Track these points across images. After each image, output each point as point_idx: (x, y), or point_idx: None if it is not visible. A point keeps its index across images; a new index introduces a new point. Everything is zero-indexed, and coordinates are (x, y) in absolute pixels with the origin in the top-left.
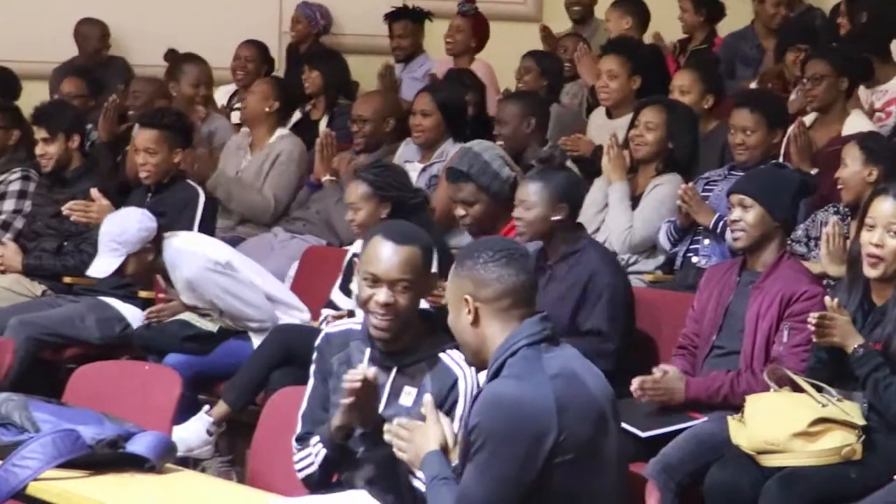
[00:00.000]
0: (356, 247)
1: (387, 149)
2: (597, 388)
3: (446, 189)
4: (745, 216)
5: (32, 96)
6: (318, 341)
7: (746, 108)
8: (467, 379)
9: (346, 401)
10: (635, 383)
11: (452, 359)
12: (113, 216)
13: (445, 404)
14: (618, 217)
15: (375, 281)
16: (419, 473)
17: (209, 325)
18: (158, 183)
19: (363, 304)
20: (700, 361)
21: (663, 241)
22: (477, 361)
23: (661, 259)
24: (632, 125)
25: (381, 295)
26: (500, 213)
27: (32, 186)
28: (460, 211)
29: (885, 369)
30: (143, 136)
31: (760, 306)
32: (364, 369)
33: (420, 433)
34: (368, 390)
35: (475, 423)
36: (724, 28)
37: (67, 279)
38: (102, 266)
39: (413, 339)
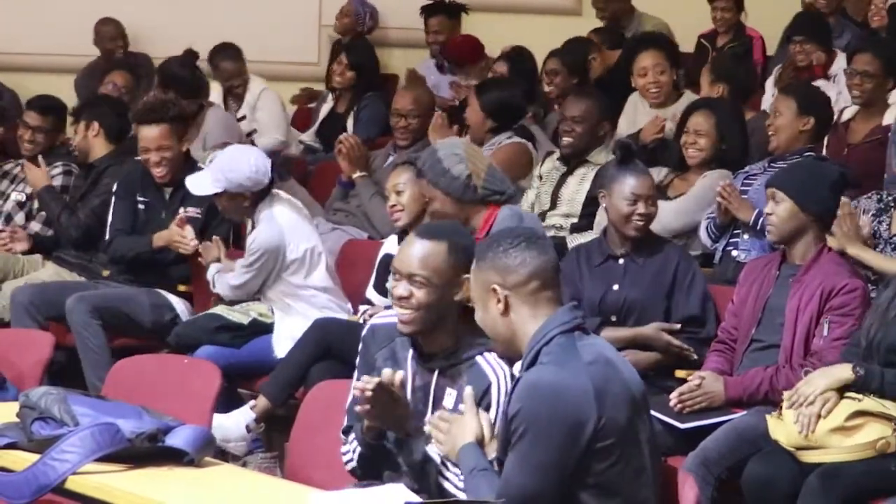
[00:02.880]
0: (389, 245)
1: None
2: (630, 376)
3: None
4: (777, 209)
5: (47, 89)
6: (363, 332)
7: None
8: (500, 385)
9: (360, 408)
10: (674, 397)
11: (488, 362)
12: (236, 149)
13: (479, 407)
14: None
15: (397, 274)
16: (448, 474)
17: (239, 318)
18: (174, 178)
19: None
20: (739, 356)
21: (703, 237)
22: (510, 352)
23: (698, 252)
24: (680, 130)
25: (399, 288)
26: (465, 208)
27: (72, 180)
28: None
29: (890, 371)
30: (151, 134)
31: (800, 300)
32: (387, 375)
33: (458, 426)
34: (386, 397)
35: (515, 411)
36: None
37: (105, 272)
38: (200, 185)
39: (453, 341)
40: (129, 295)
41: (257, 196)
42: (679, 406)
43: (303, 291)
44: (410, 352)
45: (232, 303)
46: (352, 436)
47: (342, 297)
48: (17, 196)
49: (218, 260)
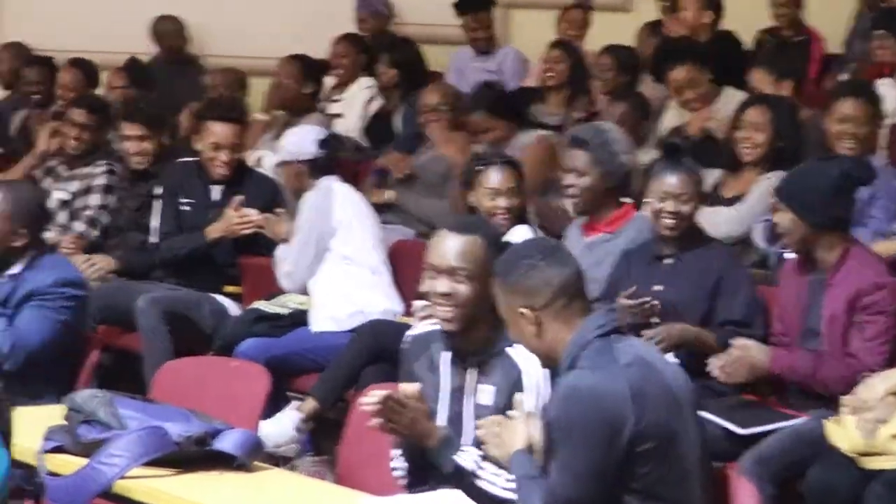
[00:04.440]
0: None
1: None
2: (672, 377)
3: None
4: (781, 219)
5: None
6: (403, 344)
7: (850, 97)
8: (531, 372)
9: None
10: (713, 365)
11: (519, 352)
12: (303, 126)
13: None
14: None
15: (435, 271)
16: (484, 475)
17: (277, 309)
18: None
19: (428, 297)
20: None
21: (759, 239)
22: (550, 363)
23: (753, 256)
24: (734, 126)
25: (440, 285)
26: (608, 197)
27: (117, 180)
28: (567, 181)
29: None
30: (224, 132)
31: (833, 306)
32: (402, 388)
33: (508, 431)
34: (404, 410)
35: (553, 417)
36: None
37: (157, 273)
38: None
39: (484, 335)
40: (193, 300)
41: (312, 168)
42: (720, 374)
43: (350, 266)
44: (445, 354)
45: (269, 298)
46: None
47: (392, 289)
48: (60, 194)
49: (287, 240)
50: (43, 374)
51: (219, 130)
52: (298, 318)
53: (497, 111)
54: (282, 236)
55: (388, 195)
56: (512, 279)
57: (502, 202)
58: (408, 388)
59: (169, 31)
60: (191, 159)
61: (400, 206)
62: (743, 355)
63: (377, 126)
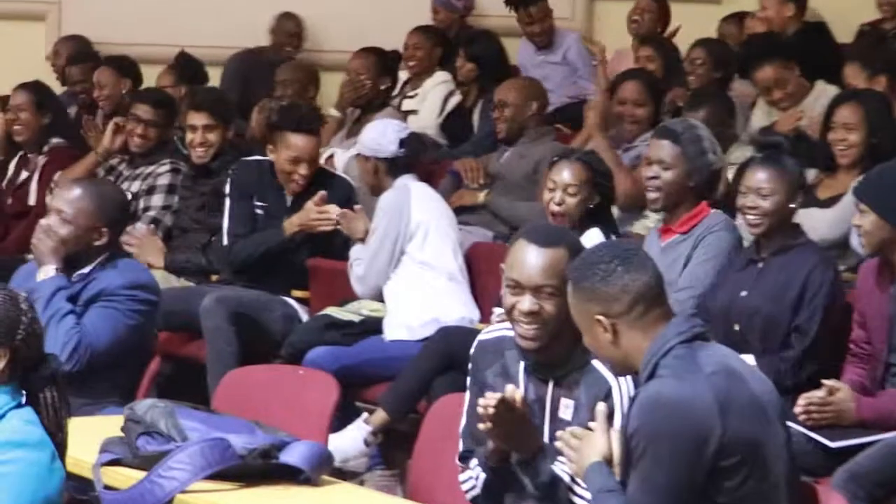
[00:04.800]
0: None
1: (544, 131)
2: (758, 386)
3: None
4: (863, 222)
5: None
6: (472, 349)
7: None
8: (621, 387)
9: (483, 427)
10: (801, 403)
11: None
12: (383, 120)
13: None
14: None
15: (518, 287)
16: (580, 491)
17: (349, 316)
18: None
19: (507, 312)
20: (878, 376)
21: (855, 243)
22: (625, 371)
23: (852, 260)
24: (826, 127)
25: (525, 303)
26: (688, 196)
27: (181, 180)
28: (651, 172)
29: None
30: (304, 145)
31: None
32: (509, 392)
33: (587, 443)
34: (511, 415)
35: (634, 429)
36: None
37: (214, 277)
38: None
39: (566, 348)
40: (264, 302)
41: (390, 167)
42: (805, 417)
43: (426, 271)
44: (522, 364)
45: (342, 304)
46: (473, 461)
47: (468, 296)
48: None
49: (363, 239)
50: (105, 379)
51: (299, 143)
52: (371, 326)
53: (647, 85)
54: (358, 234)
55: (482, 198)
56: (587, 285)
57: (557, 197)
58: (514, 392)
59: (289, 29)
60: (264, 158)
61: (492, 208)
62: (830, 400)
63: (454, 123)
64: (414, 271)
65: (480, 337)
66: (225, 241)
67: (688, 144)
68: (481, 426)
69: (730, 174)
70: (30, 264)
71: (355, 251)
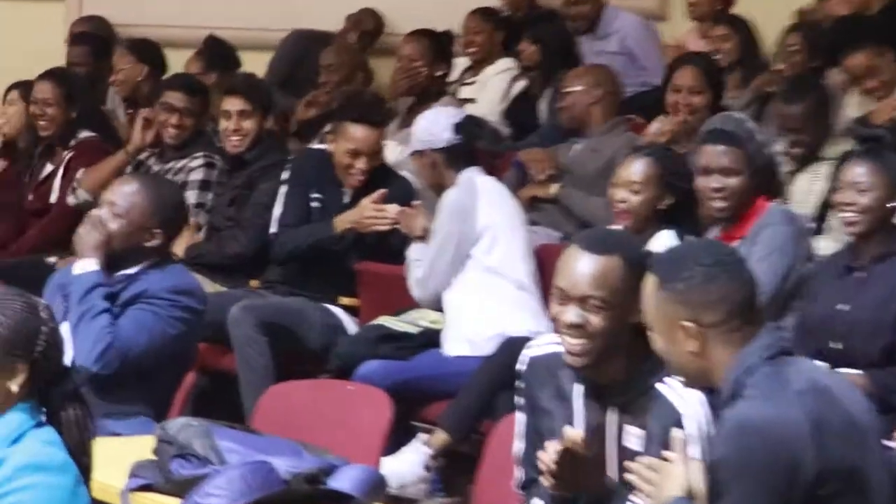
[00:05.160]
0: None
1: (615, 122)
2: (854, 405)
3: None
4: None
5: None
6: (520, 365)
7: None
8: (694, 415)
9: (547, 483)
10: None
11: (673, 390)
12: (434, 109)
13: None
14: None
15: (564, 297)
16: None
17: (406, 327)
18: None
19: (554, 323)
20: None
21: None
22: (699, 384)
23: None
24: None
25: (570, 314)
26: (751, 195)
27: (216, 175)
28: (716, 183)
29: None
30: (370, 138)
31: None
32: (569, 437)
33: (665, 475)
34: (576, 461)
35: (720, 458)
36: None
37: (253, 282)
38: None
39: (627, 368)
40: (299, 309)
41: (448, 158)
42: None
43: (493, 279)
44: (578, 387)
45: (397, 314)
46: (535, 500)
47: (540, 307)
48: None
49: (423, 237)
50: (135, 389)
51: (358, 135)
52: (430, 339)
53: (706, 74)
54: (417, 232)
55: (554, 190)
56: (679, 288)
57: (619, 194)
58: (574, 434)
59: (365, 24)
60: (327, 147)
61: (564, 202)
62: None
63: (519, 111)
64: (479, 278)
65: (530, 353)
66: (273, 230)
67: (747, 144)
68: (544, 482)
69: (826, 169)
70: (62, 273)
71: (414, 251)
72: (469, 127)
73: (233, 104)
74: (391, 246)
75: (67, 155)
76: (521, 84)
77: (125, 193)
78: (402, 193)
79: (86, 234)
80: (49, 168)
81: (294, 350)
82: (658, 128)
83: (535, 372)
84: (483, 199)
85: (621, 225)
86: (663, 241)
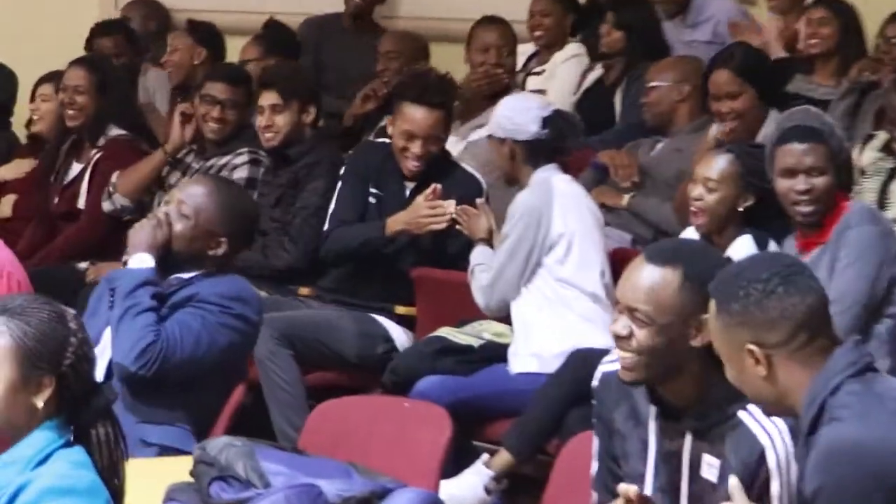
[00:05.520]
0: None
1: (703, 121)
2: None
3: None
4: None
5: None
6: (594, 382)
7: None
8: (777, 448)
9: None
10: None
11: (756, 420)
12: (523, 95)
13: (755, 485)
14: None
15: (618, 305)
16: None
17: (468, 340)
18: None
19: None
20: None
21: None
22: (779, 411)
23: None
24: None
25: (617, 324)
26: (834, 195)
27: (261, 173)
28: (802, 185)
29: None
30: (422, 119)
31: None
32: (623, 492)
33: None
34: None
35: (816, 489)
36: None
37: (303, 290)
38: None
39: (700, 392)
40: (328, 319)
41: (529, 152)
42: None
43: (566, 291)
44: (652, 408)
45: (460, 325)
46: None
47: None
48: None
49: (487, 239)
50: (175, 397)
51: (416, 116)
52: (494, 353)
53: (748, 74)
54: (479, 234)
55: (625, 202)
56: (736, 309)
57: (695, 192)
58: (627, 490)
59: None
60: (389, 141)
61: (635, 210)
62: None
63: (592, 104)
64: (550, 289)
65: (604, 368)
66: (326, 227)
67: (830, 139)
68: None
69: None
70: (115, 270)
71: (478, 255)
72: (557, 122)
73: (265, 98)
74: (449, 249)
75: (96, 155)
76: (595, 74)
77: (196, 194)
78: (465, 190)
79: (146, 234)
80: (76, 169)
81: (330, 363)
82: (713, 135)
83: (609, 389)
84: (559, 203)
85: (695, 225)
86: (741, 247)
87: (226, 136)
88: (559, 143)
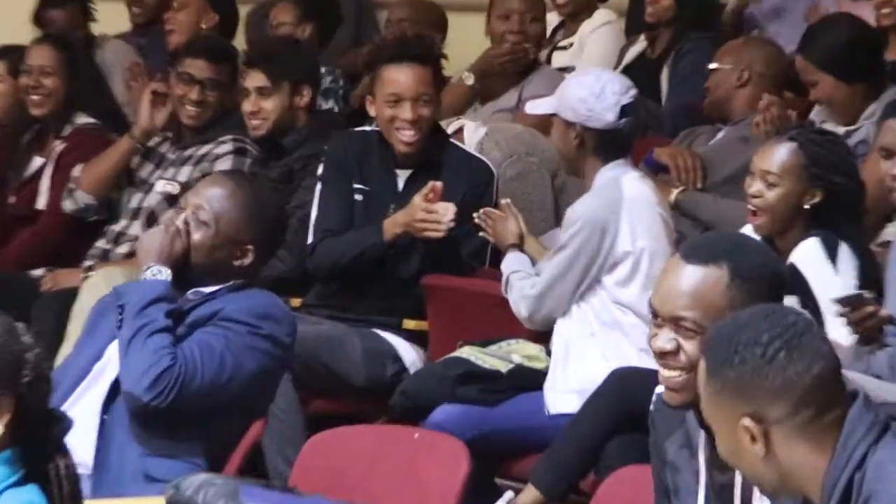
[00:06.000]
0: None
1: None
2: None
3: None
4: None
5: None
6: (651, 406)
7: None
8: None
9: None
10: None
11: None
12: (597, 73)
13: None
14: None
15: (655, 317)
16: None
17: (494, 363)
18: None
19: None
20: None
21: None
22: (784, 492)
23: None
24: None
25: (659, 338)
26: None
27: (248, 164)
28: None
29: None
30: (410, 78)
31: None
32: None
33: None
34: None
35: None
36: None
37: (295, 301)
38: (536, 103)
39: None
40: (330, 337)
41: (600, 142)
42: None
43: (625, 316)
44: (703, 435)
45: (484, 345)
46: None
47: None
48: (165, 185)
49: (518, 245)
50: (193, 430)
51: (399, 78)
52: (525, 381)
53: (815, 57)
54: (509, 241)
55: (676, 195)
56: (730, 377)
57: (753, 188)
58: None
59: None
60: (370, 129)
61: (685, 208)
62: None
63: (635, 79)
64: (606, 312)
65: (661, 389)
66: (310, 239)
67: None
68: None
69: None
70: (125, 284)
71: (512, 262)
72: (639, 112)
73: (251, 80)
74: (463, 251)
75: (59, 146)
76: (637, 48)
77: (214, 197)
78: (476, 181)
79: (156, 238)
80: (37, 163)
81: (334, 387)
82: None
83: (664, 415)
84: (629, 214)
85: (753, 225)
86: (807, 251)
87: (206, 122)
88: (636, 136)
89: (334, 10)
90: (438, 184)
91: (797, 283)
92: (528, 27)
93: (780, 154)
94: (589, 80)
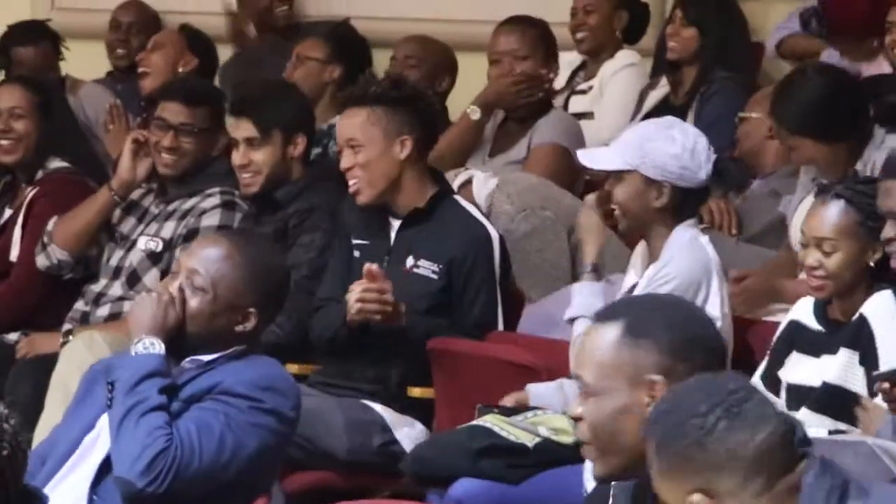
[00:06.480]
0: (796, 312)
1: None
2: None
3: None
4: None
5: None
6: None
7: None
8: None
9: None
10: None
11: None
12: (657, 121)
13: None
14: None
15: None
16: None
17: (520, 435)
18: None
19: None
20: None
21: None
22: None
23: None
24: None
25: (810, 256)
26: None
27: (238, 219)
28: None
29: None
30: (346, 124)
31: None
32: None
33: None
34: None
35: None
36: None
37: (293, 367)
38: (600, 157)
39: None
40: (311, 408)
41: (683, 202)
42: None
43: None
44: None
45: (509, 414)
46: None
47: None
48: (148, 242)
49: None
50: None
51: (341, 124)
52: (551, 456)
53: (788, 122)
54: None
55: None
56: (673, 450)
57: (811, 259)
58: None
59: None
60: None
61: None
62: None
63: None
64: None
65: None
66: (317, 300)
67: None
68: None
69: None
70: (114, 355)
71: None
72: (730, 170)
73: (238, 130)
74: (474, 311)
75: (30, 193)
76: (659, 92)
77: (211, 259)
78: (463, 242)
79: (147, 307)
80: (7, 214)
81: (315, 462)
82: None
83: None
84: (718, 280)
85: (818, 297)
86: (879, 305)
87: (183, 171)
88: (709, 194)
89: (365, 55)
90: (373, 266)
91: (862, 338)
92: (519, 67)
93: (830, 216)
94: (677, 135)
